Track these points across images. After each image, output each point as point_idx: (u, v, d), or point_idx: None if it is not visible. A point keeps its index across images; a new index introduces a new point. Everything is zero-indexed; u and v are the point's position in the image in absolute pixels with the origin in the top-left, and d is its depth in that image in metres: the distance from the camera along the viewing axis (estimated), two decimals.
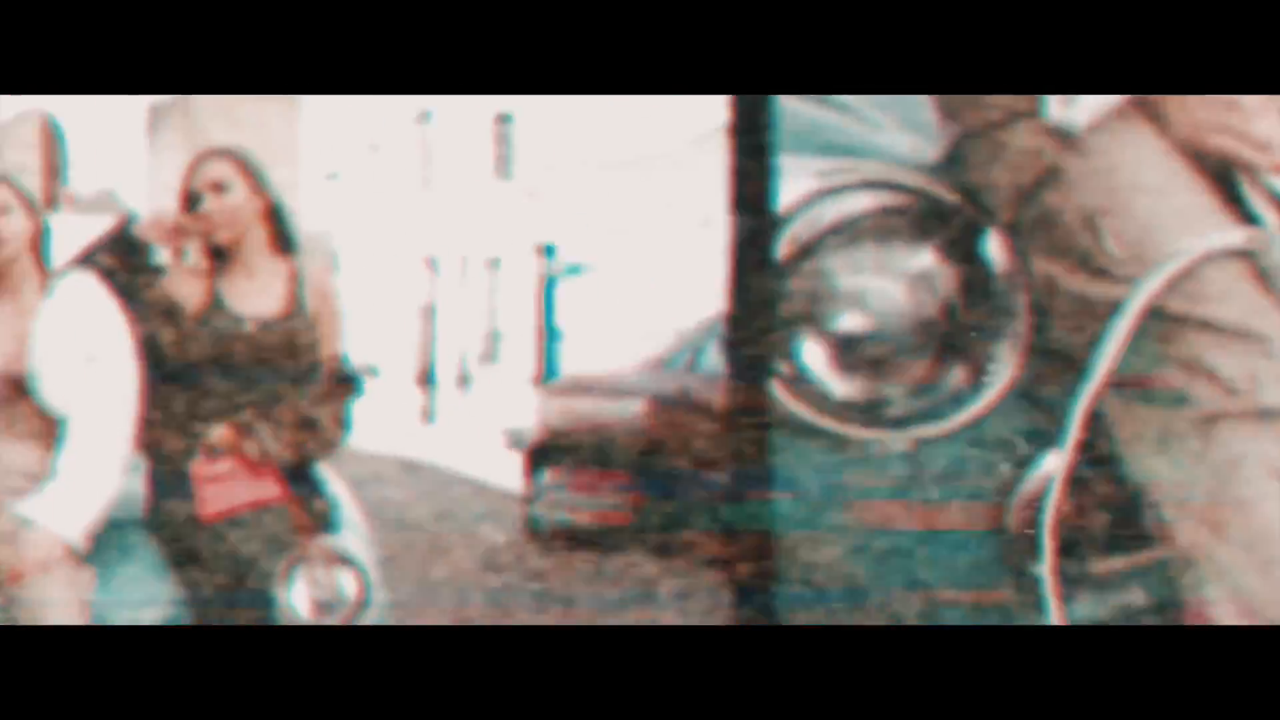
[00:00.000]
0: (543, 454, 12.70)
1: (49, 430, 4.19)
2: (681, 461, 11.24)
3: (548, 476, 12.50)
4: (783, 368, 3.50)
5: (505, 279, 28.59)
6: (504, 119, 30.37)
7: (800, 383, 3.50)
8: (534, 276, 26.57)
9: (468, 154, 31.24)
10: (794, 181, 3.54)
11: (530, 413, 20.15)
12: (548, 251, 26.09)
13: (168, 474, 4.35)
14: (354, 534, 4.49)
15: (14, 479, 4.13)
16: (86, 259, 4.43)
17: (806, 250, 3.57)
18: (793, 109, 3.56)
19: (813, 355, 3.53)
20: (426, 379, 32.34)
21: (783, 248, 3.57)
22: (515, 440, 21.87)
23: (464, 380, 29.51)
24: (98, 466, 4.12)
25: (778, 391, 3.45)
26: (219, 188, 4.41)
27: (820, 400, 3.52)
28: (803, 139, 3.56)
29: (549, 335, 25.79)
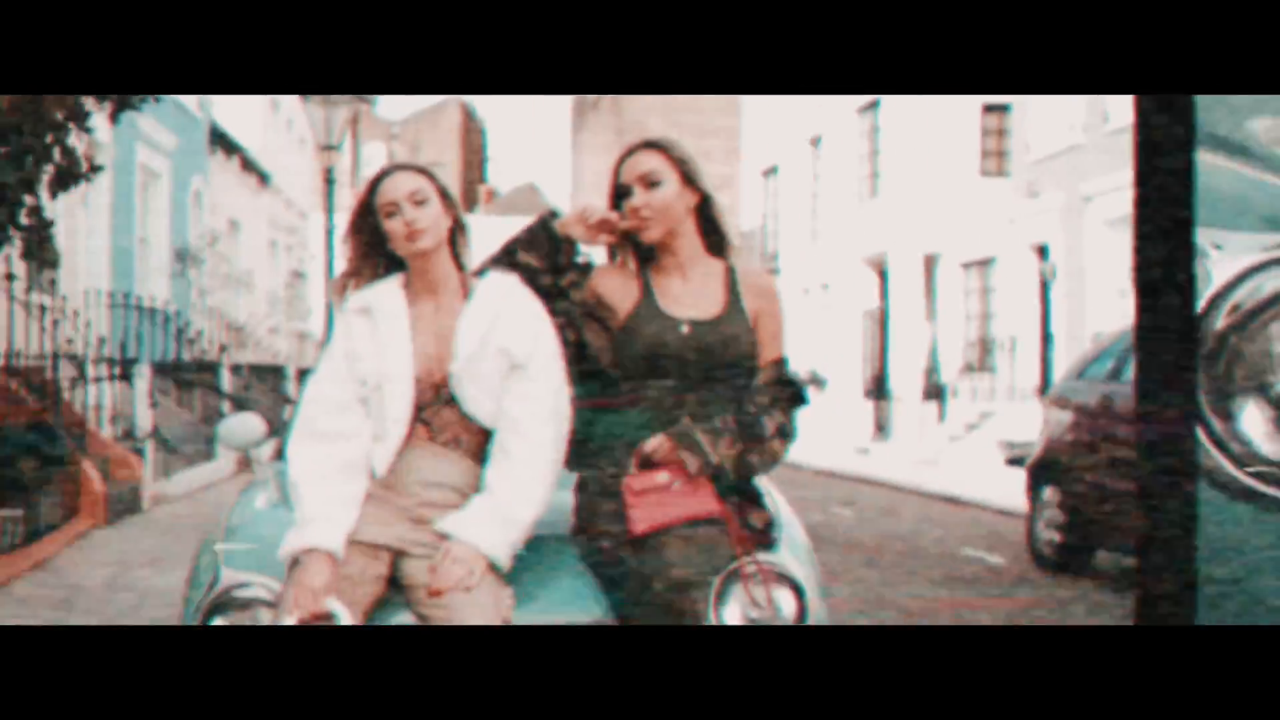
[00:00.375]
0: (1045, 470, 12.35)
1: (472, 440, 4.19)
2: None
3: (1049, 494, 12.14)
4: (1217, 426, 3.52)
5: (998, 282, 27.90)
6: (998, 109, 29.74)
7: (1233, 442, 3.52)
8: (1033, 279, 25.88)
9: (935, 146, 30.57)
10: (1235, 255, 3.63)
11: (1031, 425, 19.80)
12: (1043, 253, 25.40)
13: (596, 486, 4.28)
14: (793, 551, 4.32)
15: (434, 491, 4.13)
16: (507, 258, 4.35)
17: (1247, 319, 3.62)
18: (1223, 169, 3.62)
19: (1251, 419, 3.59)
20: (879, 390, 31.85)
21: (1223, 318, 3.60)
22: (1016, 455, 21.53)
23: (941, 391, 28.95)
24: (527, 481, 4.08)
25: (1206, 448, 3.51)
26: (649, 182, 4.32)
27: (1252, 461, 3.54)
28: (1240, 207, 3.64)
29: (1047, 342, 25.11)
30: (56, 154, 8.80)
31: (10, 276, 11.09)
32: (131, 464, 14.55)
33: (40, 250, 9.81)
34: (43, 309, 12.11)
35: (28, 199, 8.83)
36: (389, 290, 4.25)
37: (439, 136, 72.11)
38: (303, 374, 23.47)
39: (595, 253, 4.47)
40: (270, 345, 31.67)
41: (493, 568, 4.01)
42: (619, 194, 4.38)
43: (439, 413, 4.16)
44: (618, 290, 4.39)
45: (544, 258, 4.34)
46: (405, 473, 4.12)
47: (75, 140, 9.09)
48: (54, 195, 8.91)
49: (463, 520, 4.03)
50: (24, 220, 8.98)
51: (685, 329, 4.28)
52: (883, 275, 32.16)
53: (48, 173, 8.74)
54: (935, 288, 30.47)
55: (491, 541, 3.98)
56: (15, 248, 9.35)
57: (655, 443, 4.16)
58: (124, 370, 15.10)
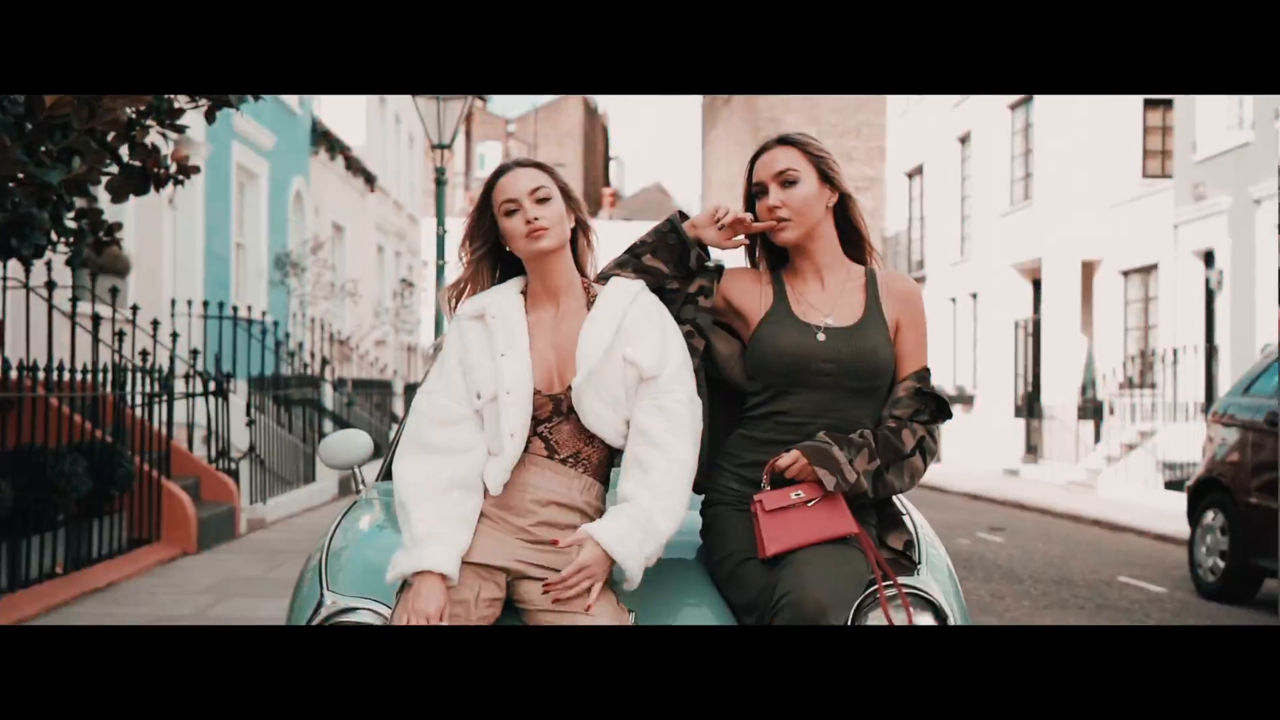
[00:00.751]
0: (1207, 492, 12.19)
1: (594, 456, 4.18)
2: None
3: (1211, 518, 11.99)
4: None
5: (1160, 291, 27.47)
6: (1161, 104, 29.36)
7: None
8: (1198, 287, 25.49)
9: (1093, 145, 30.19)
10: None
11: (1193, 445, 19.54)
12: (1209, 259, 25.00)
13: (726, 504, 4.25)
14: (935, 574, 4.29)
15: (553, 510, 4.10)
16: (633, 262, 4.32)
17: None
18: None
19: None
20: (1031, 408, 31.48)
21: None
22: (1177, 477, 21.31)
23: (1098, 408, 28.55)
24: (667, 493, 4.03)
25: None
26: (785, 180, 4.30)
27: None
28: None
29: (1212, 355, 24.73)
30: (124, 153, 8.74)
31: (50, 284, 10.86)
32: (225, 486, 14.56)
33: (97, 256, 9.73)
34: (96, 320, 12.01)
35: (78, 202, 8.74)
36: (506, 295, 4.24)
37: (558, 135, 72.32)
38: (410, 390, 23.47)
39: (725, 256, 4.46)
40: (376, 359, 31.77)
41: (613, 588, 3.99)
42: (753, 193, 4.38)
43: (558, 427, 4.15)
44: (749, 295, 4.39)
45: (672, 262, 4.32)
46: (522, 490, 4.11)
47: (158, 139, 9.04)
48: (121, 198, 8.80)
49: (601, 525, 3.98)
50: (69, 224, 8.90)
51: (821, 337, 4.26)
52: (1036, 284, 31.81)
53: (108, 175, 8.64)
54: (1093, 297, 30.13)
55: (628, 551, 3.93)
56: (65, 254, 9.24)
57: (789, 458, 4.12)
58: (218, 386, 15.05)
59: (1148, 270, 28.06)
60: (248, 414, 15.74)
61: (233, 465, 15.12)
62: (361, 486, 5.39)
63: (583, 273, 4.30)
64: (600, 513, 4.17)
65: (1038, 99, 30.97)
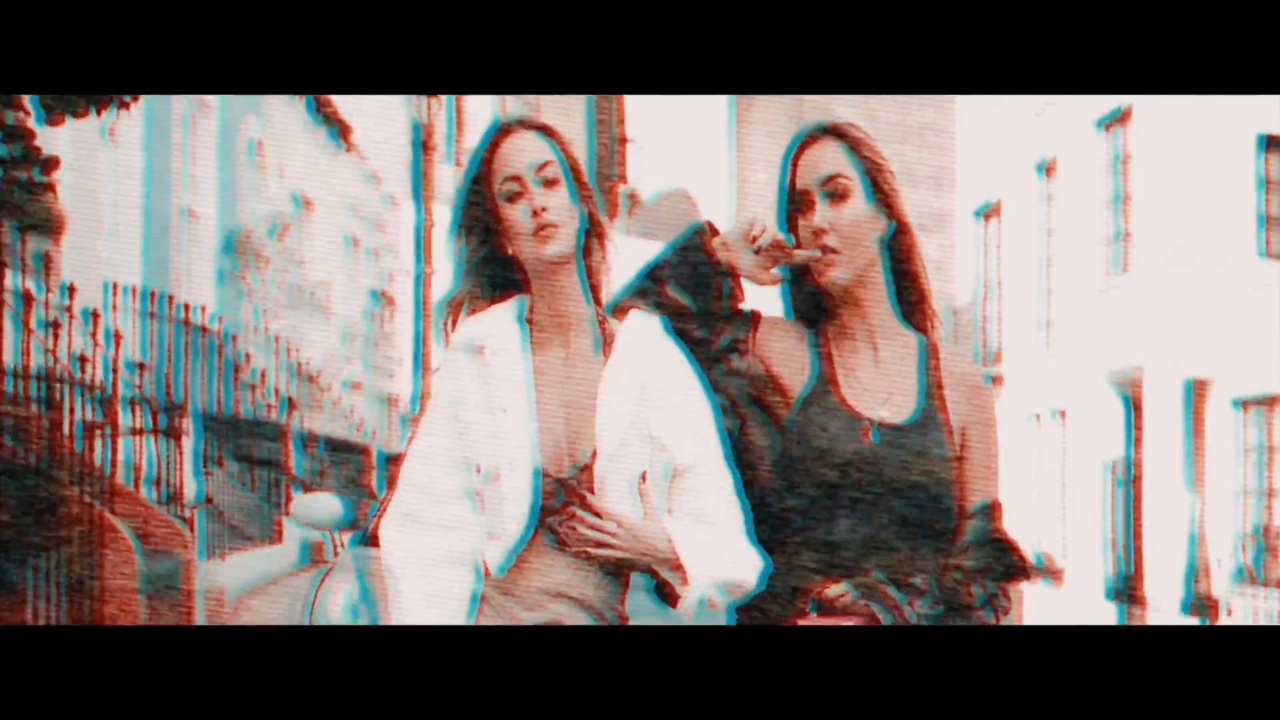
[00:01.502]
0: None
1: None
2: None
3: None
4: None
5: None
6: None
7: None
8: None
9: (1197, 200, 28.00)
10: None
11: None
12: None
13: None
14: None
15: (563, 605, 3.83)
16: (650, 290, 3.91)
17: None
18: None
19: None
20: (1129, 592, 29.98)
21: None
22: None
23: (1209, 607, 27.19)
24: (726, 547, 3.81)
25: None
26: (833, 191, 3.85)
27: None
28: None
29: None
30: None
31: None
32: (179, 534, 14.09)
33: (28, 202, 9.20)
34: (25, 299, 11.55)
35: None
36: (507, 323, 3.90)
37: (563, 100, 72.24)
38: (391, 462, 23.37)
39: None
40: (352, 409, 30.99)
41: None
42: (793, 204, 3.94)
43: (571, 514, 3.81)
44: (790, 359, 3.93)
45: (698, 294, 3.87)
46: (528, 574, 3.87)
47: None
48: (55, 119, 8.24)
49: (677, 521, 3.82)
50: None
51: (871, 434, 3.84)
52: (1136, 404, 29.75)
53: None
54: (1204, 434, 28.48)
55: (697, 566, 3.75)
56: None
57: (839, 589, 3.77)
58: (168, 420, 14.74)
59: (1270, 402, 26.55)
60: (204, 466, 15.31)
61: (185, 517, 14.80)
62: (339, 552, 5.57)
63: (596, 296, 3.93)
64: (621, 616, 3.94)
65: (1135, 120, 28.08)
